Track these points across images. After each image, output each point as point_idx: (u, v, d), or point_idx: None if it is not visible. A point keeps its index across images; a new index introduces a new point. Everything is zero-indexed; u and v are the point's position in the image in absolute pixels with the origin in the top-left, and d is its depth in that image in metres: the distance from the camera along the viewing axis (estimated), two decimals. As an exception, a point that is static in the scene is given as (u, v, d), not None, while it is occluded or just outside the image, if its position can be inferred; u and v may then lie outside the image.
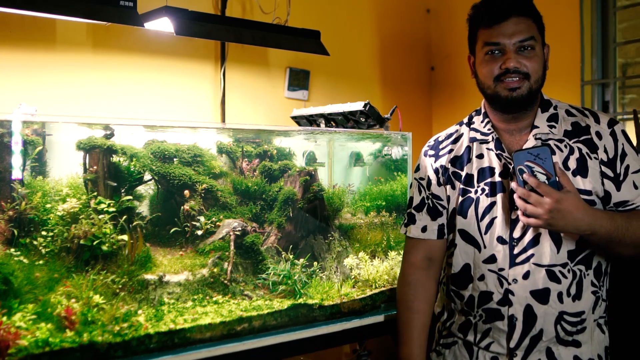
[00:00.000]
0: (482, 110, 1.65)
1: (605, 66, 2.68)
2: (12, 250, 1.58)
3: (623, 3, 2.66)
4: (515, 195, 1.43)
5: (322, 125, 2.35)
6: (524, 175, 1.41)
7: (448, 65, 3.22)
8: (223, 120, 2.46)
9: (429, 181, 1.68)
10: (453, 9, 3.17)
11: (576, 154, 1.50)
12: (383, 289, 2.05)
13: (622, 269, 1.68)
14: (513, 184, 1.44)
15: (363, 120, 2.21)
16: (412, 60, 3.23)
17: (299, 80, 2.72)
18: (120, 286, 1.65)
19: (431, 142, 1.74)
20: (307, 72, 2.75)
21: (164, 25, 2.02)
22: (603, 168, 1.49)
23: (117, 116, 2.14)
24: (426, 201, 1.68)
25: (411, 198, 1.74)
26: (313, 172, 2.22)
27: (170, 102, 2.36)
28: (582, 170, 1.49)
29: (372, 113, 2.16)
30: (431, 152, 1.71)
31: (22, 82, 2.02)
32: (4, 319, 1.43)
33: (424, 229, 1.68)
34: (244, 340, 1.71)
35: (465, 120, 1.71)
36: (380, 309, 2.02)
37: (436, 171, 1.67)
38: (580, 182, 1.48)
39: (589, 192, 1.48)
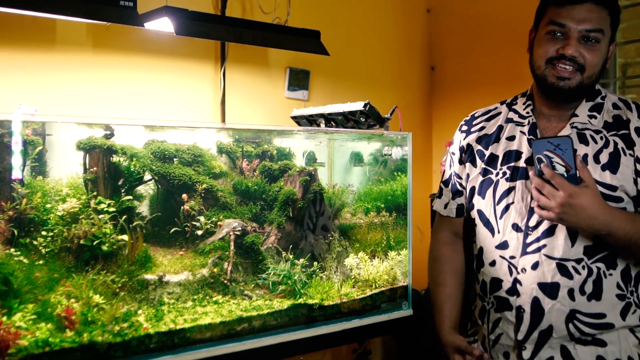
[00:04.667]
0: (529, 92, 1.59)
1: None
2: (12, 250, 1.58)
3: (623, 3, 2.66)
4: (532, 185, 1.39)
5: (322, 125, 2.35)
6: (541, 165, 1.36)
7: (448, 65, 3.22)
8: (223, 120, 2.46)
9: (456, 157, 1.69)
10: (453, 9, 3.16)
11: (610, 148, 1.43)
12: (383, 289, 2.05)
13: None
14: (531, 173, 1.39)
15: (363, 120, 2.21)
16: (412, 60, 3.23)
17: (299, 80, 2.72)
18: (120, 286, 1.65)
19: (468, 116, 1.71)
20: (307, 72, 2.75)
21: (164, 25, 2.02)
22: (638, 166, 1.42)
23: (117, 116, 2.14)
24: (451, 177, 1.69)
25: (444, 171, 1.74)
26: (313, 172, 2.23)
27: (170, 102, 2.36)
28: (612, 165, 1.42)
29: (372, 113, 2.16)
30: (464, 128, 1.68)
31: (22, 82, 2.02)
32: (4, 319, 1.43)
33: (445, 206, 1.70)
34: (244, 340, 1.72)
35: (508, 100, 1.65)
36: (380, 309, 2.02)
37: (461, 149, 1.65)
38: (607, 177, 1.41)
39: (614, 188, 1.40)
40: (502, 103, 1.67)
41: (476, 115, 1.69)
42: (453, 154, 1.70)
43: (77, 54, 2.15)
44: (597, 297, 1.42)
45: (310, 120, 2.41)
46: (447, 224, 1.73)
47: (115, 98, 2.22)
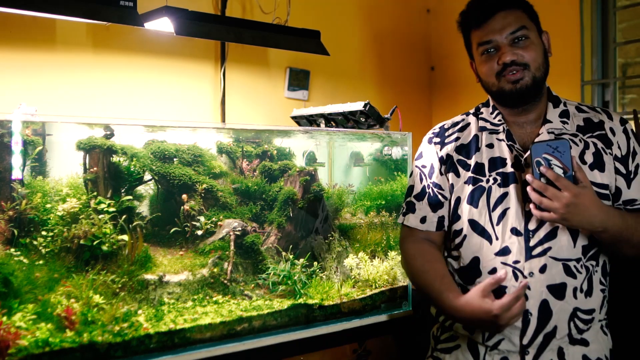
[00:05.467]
0: (491, 103, 1.62)
1: (605, 66, 2.68)
2: (12, 250, 1.58)
3: (623, 3, 2.66)
4: (528, 188, 1.40)
5: (322, 125, 2.35)
6: (542, 168, 1.38)
7: (448, 65, 3.22)
8: (223, 120, 2.46)
9: (432, 169, 1.63)
10: (453, 9, 3.14)
11: (592, 149, 1.49)
12: (383, 289, 2.05)
13: (623, 271, 1.67)
14: (528, 176, 1.40)
15: (363, 120, 2.21)
16: (412, 60, 3.23)
17: (299, 80, 2.72)
18: (120, 286, 1.65)
19: (436, 129, 1.69)
20: (307, 72, 2.75)
21: (164, 25, 2.02)
22: (617, 164, 1.49)
23: (117, 116, 2.14)
24: (427, 190, 1.63)
25: (411, 186, 1.68)
26: (313, 172, 2.23)
27: (170, 102, 2.36)
28: (598, 164, 1.48)
29: (372, 113, 2.16)
30: (436, 140, 1.66)
31: (22, 82, 2.02)
32: (4, 319, 1.43)
33: (423, 220, 1.62)
34: (244, 340, 1.72)
35: (472, 110, 1.68)
36: (380, 309, 2.02)
37: (441, 159, 1.62)
38: (597, 176, 1.47)
39: (605, 186, 1.47)
40: (466, 114, 1.69)
41: (445, 127, 1.68)
42: (424, 166, 1.65)
43: (77, 54, 2.15)
44: (590, 294, 1.47)
45: (310, 120, 2.41)
46: (421, 235, 1.64)
47: (115, 98, 2.22)
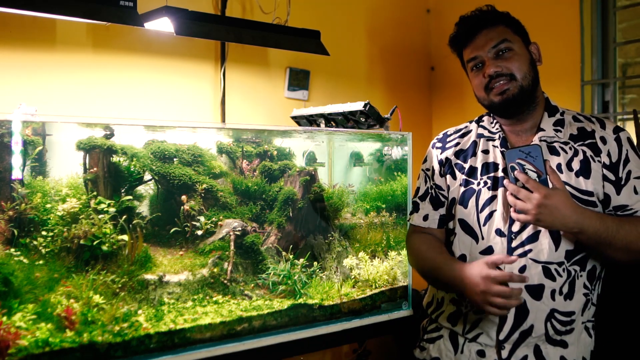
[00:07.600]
0: (492, 114, 1.71)
1: (605, 66, 2.67)
2: (12, 250, 1.58)
3: (623, 3, 2.66)
4: (507, 192, 1.47)
5: (322, 125, 2.35)
6: (515, 172, 1.45)
7: (448, 65, 3.22)
8: (223, 120, 2.46)
9: (433, 172, 1.73)
10: (453, 9, 3.16)
11: (580, 156, 1.54)
12: (383, 289, 2.05)
13: (614, 276, 1.67)
14: (505, 181, 1.48)
15: (363, 120, 2.21)
16: (412, 60, 3.23)
17: (299, 80, 2.72)
18: (120, 286, 1.65)
19: (440, 135, 1.80)
20: (307, 72, 2.75)
21: (164, 25, 2.02)
22: (605, 171, 1.52)
23: (117, 116, 2.14)
24: (430, 191, 1.73)
25: (417, 188, 1.79)
26: (313, 172, 2.23)
27: (170, 102, 2.36)
28: (585, 171, 1.52)
29: (372, 113, 2.16)
30: (438, 145, 1.76)
31: (22, 82, 2.02)
32: (4, 319, 1.43)
33: (425, 218, 1.72)
34: (244, 340, 1.72)
35: (476, 118, 1.76)
36: (380, 309, 2.03)
37: (440, 162, 1.72)
38: (582, 183, 1.51)
39: (590, 193, 1.51)
40: (470, 122, 1.77)
41: (448, 133, 1.78)
42: (428, 169, 1.75)
43: (77, 54, 2.15)
44: (570, 297, 1.51)
45: (310, 120, 2.41)
46: (424, 232, 1.73)
47: (115, 98, 2.22)
